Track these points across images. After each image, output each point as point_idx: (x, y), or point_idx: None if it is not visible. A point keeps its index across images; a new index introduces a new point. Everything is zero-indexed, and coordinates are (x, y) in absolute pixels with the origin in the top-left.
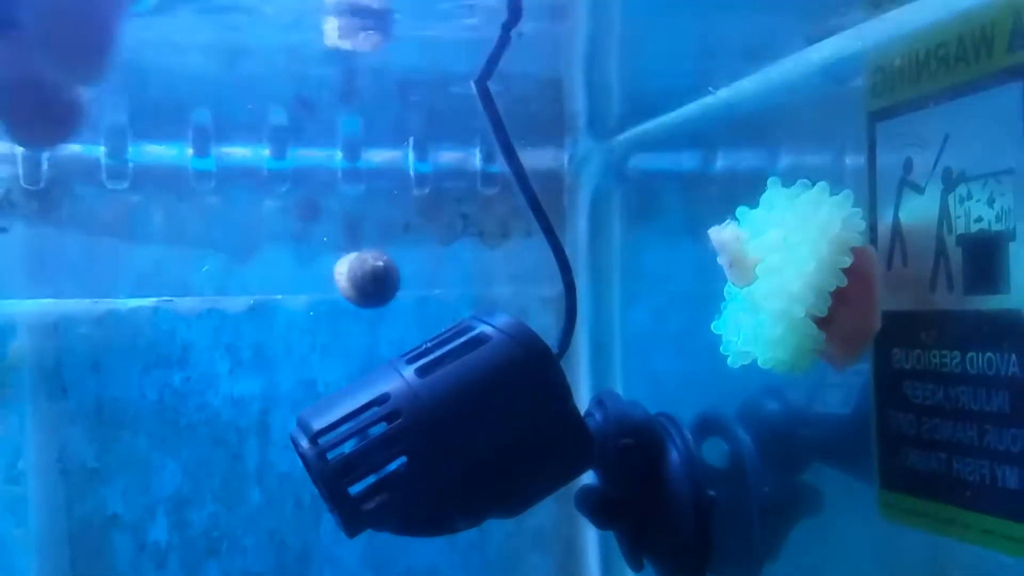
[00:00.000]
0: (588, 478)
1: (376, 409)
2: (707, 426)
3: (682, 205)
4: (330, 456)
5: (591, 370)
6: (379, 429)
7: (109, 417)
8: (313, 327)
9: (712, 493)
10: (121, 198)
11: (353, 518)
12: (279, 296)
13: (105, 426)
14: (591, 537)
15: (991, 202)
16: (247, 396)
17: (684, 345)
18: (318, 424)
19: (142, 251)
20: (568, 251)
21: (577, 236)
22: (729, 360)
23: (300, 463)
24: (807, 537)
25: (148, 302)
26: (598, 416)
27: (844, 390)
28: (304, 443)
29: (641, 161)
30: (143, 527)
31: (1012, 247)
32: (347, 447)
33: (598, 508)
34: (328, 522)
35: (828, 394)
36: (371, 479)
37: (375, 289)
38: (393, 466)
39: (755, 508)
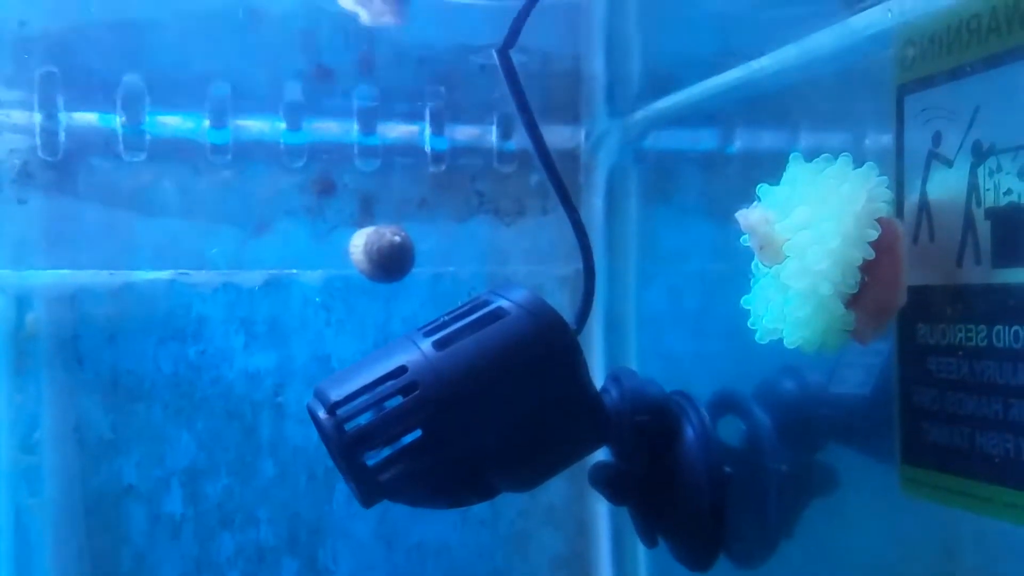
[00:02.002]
0: (602, 455)
1: (393, 381)
2: (723, 404)
3: (699, 185)
4: (347, 427)
5: (605, 348)
6: (396, 401)
7: (124, 389)
8: (328, 302)
9: (728, 470)
10: (138, 170)
11: (369, 488)
12: (294, 271)
13: (120, 398)
14: (602, 515)
15: (1021, 174)
16: (261, 370)
17: (700, 325)
18: (336, 395)
19: (158, 224)
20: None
21: (593, 215)
22: (757, 336)
23: (314, 436)
24: (822, 517)
25: (164, 275)
26: (614, 393)
27: (863, 370)
28: (322, 413)
29: (659, 140)
30: (158, 498)
31: None
32: (364, 418)
33: (612, 484)
34: (341, 495)
35: (847, 374)
36: (387, 451)
37: (391, 264)
38: (409, 438)
39: (771, 487)
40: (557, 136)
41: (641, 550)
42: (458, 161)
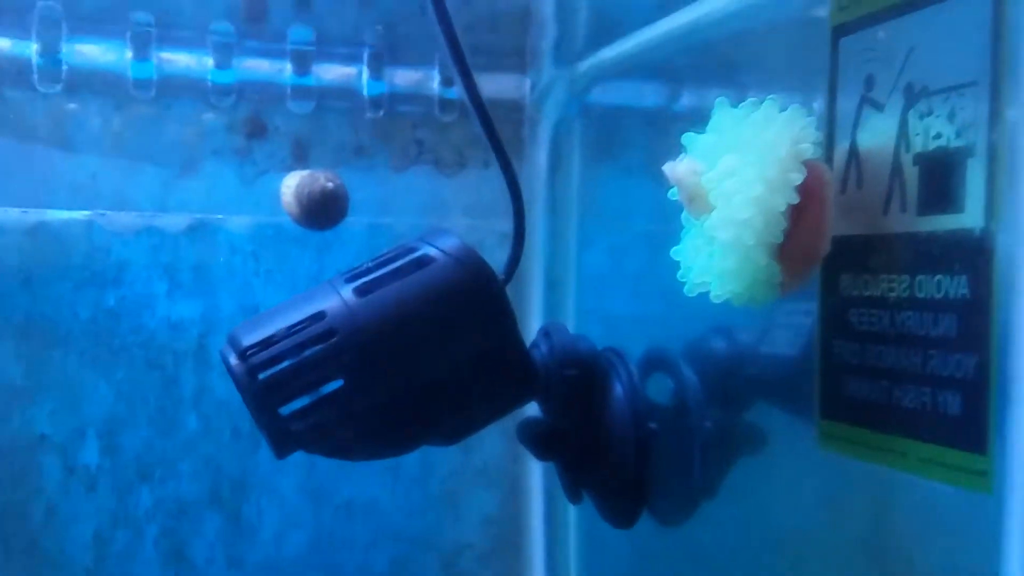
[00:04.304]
0: (532, 410)
1: (310, 328)
2: (653, 362)
3: (644, 142)
4: (261, 375)
5: (544, 307)
6: (313, 348)
7: (39, 335)
8: (257, 251)
9: (654, 427)
10: (54, 102)
11: (281, 438)
12: (221, 216)
13: (34, 344)
14: (536, 474)
15: (952, 117)
16: (185, 320)
17: (640, 286)
18: (248, 340)
19: (76, 160)
20: (526, 185)
21: (536, 170)
22: (685, 288)
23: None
24: (746, 476)
25: (82, 215)
26: (543, 347)
27: (792, 331)
28: (233, 359)
29: (604, 93)
30: (72, 449)
31: (970, 163)
32: (278, 366)
33: (538, 439)
34: (267, 450)
35: (776, 334)
36: (303, 400)
37: (323, 211)
38: (326, 387)
39: (695, 445)
40: (503, 85)
41: (572, 511)
42: (397, 108)
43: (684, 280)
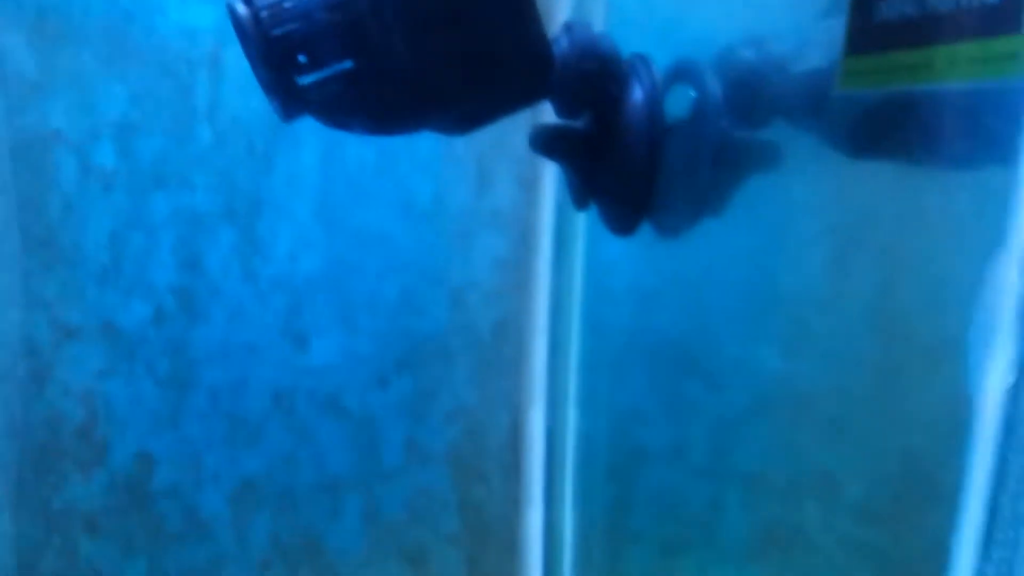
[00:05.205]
0: (548, 117)
1: None
2: (679, 72)
3: None
4: (274, 31)
5: (572, 7)
6: (330, 12)
7: (52, 28)
8: None
9: (667, 134)
10: None
11: (287, 93)
12: None
13: (47, 37)
14: (546, 222)
15: None
16: (200, 27)
17: None
18: None
19: None
20: None
21: None
22: None
23: (254, 106)
24: (755, 197)
25: None
26: (564, 42)
27: (825, 47)
28: (241, 8)
29: None
30: (88, 149)
31: None
32: (292, 25)
33: (550, 137)
34: (281, 171)
35: (809, 51)
36: (314, 68)
37: None
38: (337, 48)
39: (707, 154)
40: None
41: (579, 258)
42: None
43: None
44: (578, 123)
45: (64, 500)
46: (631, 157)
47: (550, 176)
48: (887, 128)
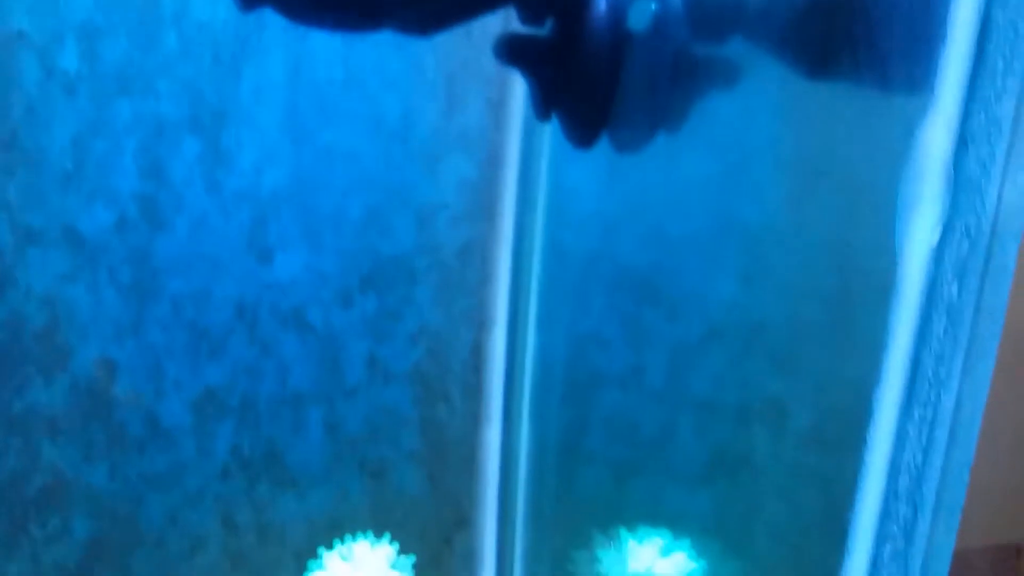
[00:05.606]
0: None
1: None
2: None
3: None
4: None
5: None
6: None
7: None
8: None
9: (628, 46)
10: None
11: None
12: None
13: None
14: (514, 143)
15: None
16: None
17: None
18: None
19: None
20: None
21: None
22: None
23: (221, 14)
24: (712, 115)
25: None
26: None
27: None
28: None
29: None
30: (51, 52)
31: None
32: None
33: (513, 46)
34: (248, 83)
35: None
36: None
37: None
38: None
39: (665, 66)
40: None
41: (544, 182)
42: None
43: None
44: (542, 31)
45: (25, 403)
46: (592, 66)
47: (518, 99)
48: (838, 41)
